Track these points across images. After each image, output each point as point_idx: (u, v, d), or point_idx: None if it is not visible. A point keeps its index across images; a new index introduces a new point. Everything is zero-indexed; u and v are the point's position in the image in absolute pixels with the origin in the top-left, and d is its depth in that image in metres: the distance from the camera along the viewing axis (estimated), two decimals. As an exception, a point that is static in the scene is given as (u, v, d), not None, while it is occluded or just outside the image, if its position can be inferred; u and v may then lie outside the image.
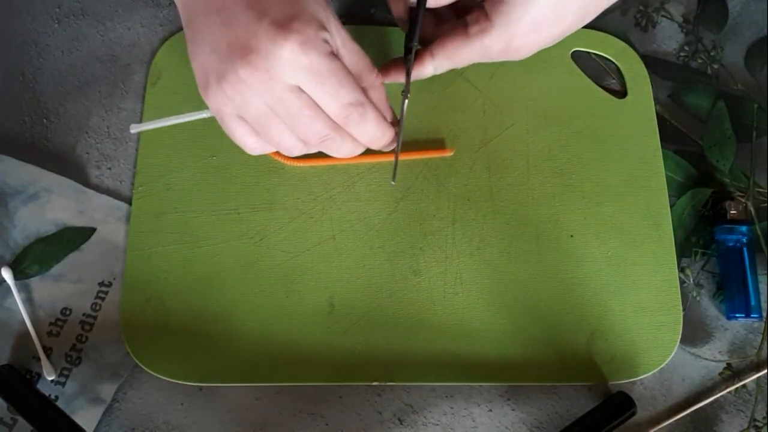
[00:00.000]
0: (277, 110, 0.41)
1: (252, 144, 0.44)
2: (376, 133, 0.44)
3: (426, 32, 0.50)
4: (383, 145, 0.46)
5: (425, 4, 0.46)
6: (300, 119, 0.41)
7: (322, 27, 0.39)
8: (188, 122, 0.55)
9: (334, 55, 0.40)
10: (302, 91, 0.40)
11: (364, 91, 0.43)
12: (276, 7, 0.39)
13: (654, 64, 0.59)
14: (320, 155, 0.54)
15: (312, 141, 0.43)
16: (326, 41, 0.39)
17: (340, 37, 0.41)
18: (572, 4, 0.46)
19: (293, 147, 0.43)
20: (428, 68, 0.49)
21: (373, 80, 0.44)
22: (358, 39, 0.57)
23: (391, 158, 0.54)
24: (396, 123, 0.47)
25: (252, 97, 0.40)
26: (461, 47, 0.48)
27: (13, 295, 0.50)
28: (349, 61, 0.42)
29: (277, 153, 0.54)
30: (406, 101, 0.47)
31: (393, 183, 0.52)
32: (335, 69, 0.40)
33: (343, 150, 0.45)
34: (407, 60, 0.48)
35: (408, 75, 0.48)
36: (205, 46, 0.40)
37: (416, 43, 0.47)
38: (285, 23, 0.38)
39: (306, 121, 0.41)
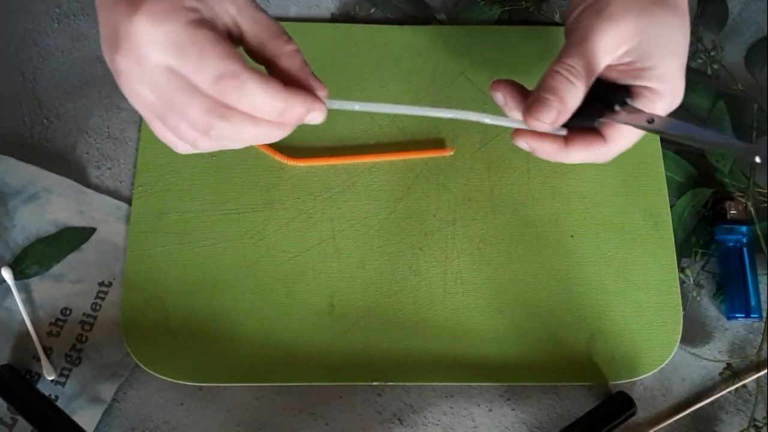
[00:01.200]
0: (161, 97, 0.36)
1: (171, 140, 0.39)
2: (270, 104, 0.37)
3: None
4: (297, 117, 0.38)
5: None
6: (177, 102, 0.36)
7: None
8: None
9: (199, 23, 0.35)
10: (174, 70, 0.36)
11: (271, 60, 0.39)
12: None
13: (654, 64, 0.59)
14: (320, 155, 0.54)
15: (200, 127, 0.37)
16: (191, 9, 0.35)
17: (233, 4, 0.37)
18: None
19: (195, 139, 0.38)
20: (591, 153, 0.44)
21: (282, 47, 0.39)
22: (358, 39, 0.58)
23: (392, 158, 0.54)
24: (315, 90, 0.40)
25: (138, 87, 0.36)
26: (598, 150, 0.44)
27: (13, 295, 0.50)
28: (248, 29, 0.38)
29: (277, 153, 0.54)
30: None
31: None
32: (197, 38, 0.35)
33: (244, 134, 0.38)
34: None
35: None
36: (103, 47, 0.38)
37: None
38: (137, 1, 0.35)
39: (183, 101, 0.36)
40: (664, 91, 0.42)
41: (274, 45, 0.39)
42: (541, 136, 0.43)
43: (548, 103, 0.41)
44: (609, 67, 0.42)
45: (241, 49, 0.38)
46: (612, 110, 0.42)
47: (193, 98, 0.36)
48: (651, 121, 0.41)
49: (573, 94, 0.41)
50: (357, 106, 0.41)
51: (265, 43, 0.38)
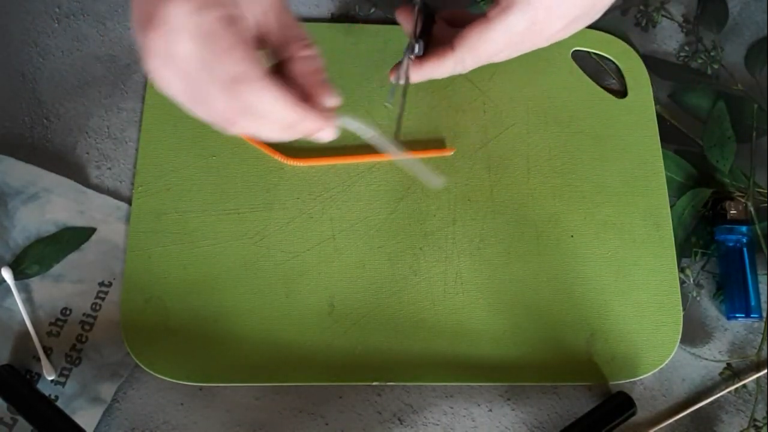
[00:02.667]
0: (189, 84, 0.37)
1: (221, 123, 0.39)
2: (282, 114, 0.37)
3: (442, 33, 0.49)
4: (307, 132, 0.39)
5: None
6: (203, 92, 0.37)
7: None
8: (188, 122, 0.55)
9: (231, 20, 0.36)
10: (202, 60, 0.36)
11: (286, 62, 0.39)
12: None
13: (654, 64, 0.59)
14: (320, 155, 0.54)
15: (224, 119, 0.38)
16: (224, 4, 0.36)
17: (260, 5, 0.37)
18: None
19: (222, 127, 0.39)
20: (448, 63, 0.47)
21: (299, 51, 0.39)
22: (358, 39, 0.58)
23: (392, 158, 0.54)
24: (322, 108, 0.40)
25: (166, 71, 0.37)
26: (484, 34, 0.45)
27: (13, 295, 0.50)
28: (273, 30, 0.38)
29: (277, 153, 0.54)
30: (405, 86, 0.47)
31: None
32: (226, 34, 0.35)
33: (267, 132, 0.39)
34: (406, 52, 0.47)
35: (406, 68, 0.47)
36: (134, 25, 0.37)
37: (418, 39, 0.47)
38: None
39: (209, 92, 0.37)
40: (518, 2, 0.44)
41: (296, 47, 0.39)
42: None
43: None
44: None
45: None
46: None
47: (219, 91, 0.36)
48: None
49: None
50: (356, 128, 0.42)
51: (285, 45, 0.39)
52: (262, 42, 0.39)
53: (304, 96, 0.39)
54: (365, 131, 0.42)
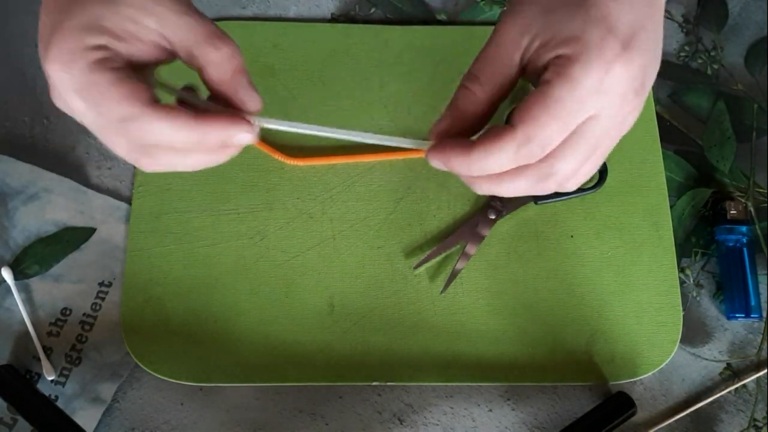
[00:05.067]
0: (94, 129, 0.36)
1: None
2: (181, 137, 0.35)
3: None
4: (217, 143, 0.36)
5: None
6: (104, 140, 0.36)
7: (86, 30, 0.33)
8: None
9: (100, 64, 0.33)
10: (87, 108, 0.35)
11: (200, 71, 0.36)
12: (50, 17, 0.34)
13: (654, 64, 0.59)
14: (320, 155, 0.54)
15: (132, 161, 0.36)
16: (94, 48, 0.33)
17: (153, 17, 0.34)
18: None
19: (136, 162, 0.37)
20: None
21: (208, 55, 0.35)
22: (358, 39, 0.58)
23: (392, 158, 0.54)
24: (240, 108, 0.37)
25: (82, 122, 0.36)
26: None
27: (13, 296, 0.50)
28: (175, 39, 0.35)
29: (278, 152, 0.54)
30: None
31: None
32: (95, 81, 0.33)
33: (179, 164, 0.36)
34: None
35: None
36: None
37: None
38: (48, 40, 0.34)
39: (107, 140, 0.36)
40: (578, 53, 0.33)
41: (202, 52, 0.35)
42: (446, 148, 0.36)
43: (442, 113, 0.37)
44: (531, 62, 0.36)
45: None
46: None
47: (115, 135, 0.35)
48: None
49: (467, 99, 0.37)
50: (284, 126, 0.37)
51: (192, 52, 0.35)
52: (171, 54, 0.36)
53: (226, 103, 0.36)
54: (288, 125, 0.37)
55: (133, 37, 0.34)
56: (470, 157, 0.35)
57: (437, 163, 0.37)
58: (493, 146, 0.34)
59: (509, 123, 0.35)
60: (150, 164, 0.36)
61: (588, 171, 0.37)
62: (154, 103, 0.34)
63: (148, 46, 0.35)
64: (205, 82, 0.36)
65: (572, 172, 0.36)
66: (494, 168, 0.35)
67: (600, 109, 0.34)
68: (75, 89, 0.34)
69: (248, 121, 0.36)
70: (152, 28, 0.34)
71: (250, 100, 0.36)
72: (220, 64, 0.35)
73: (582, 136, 0.35)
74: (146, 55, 0.35)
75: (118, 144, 0.36)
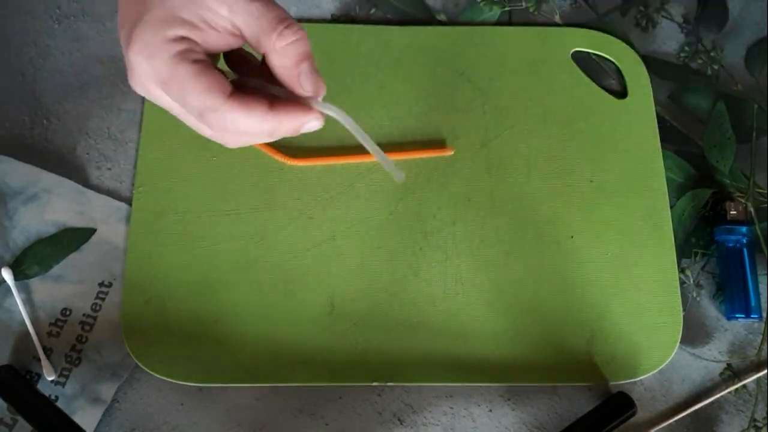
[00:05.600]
0: (175, 113, 0.38)
1: (207, 133, 0.39)
2: (257, 128, 0.37)
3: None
4: (289, 132, 0.38)
5: None
6: (189, 124, 0.38)
7: (166, 23, 0.35)
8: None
9: (182, 56, 0.35)
10: (170, 97, 0.37)
11: (265, 57, 0.37)
12: (130, 8, 0.36)
13: (654, 64, 0.59)
14: (320, 155, 0.54)
15: (216, 140, 0.39)
16: (176, 39, 0.35)
17: (225, 5, 0.35)
18: None
19: (218, 141, 0.39)
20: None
21: (273, 43, 0.36)
22: (358, 39, 0.58)
23: (392, 158, 0.54)
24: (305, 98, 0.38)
25: (155, 99, 0.38)
26: None
27: (13, 296, 0.50)
28: (244, 26, 0.36)
29: (277, 152, 0.54)
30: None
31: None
32: (177, 73, 0.35)
33: (255, 140, 0.39)
34: None
35: None
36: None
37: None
38: (130, 31, 0.35)
39: (193, 124, 0.38)
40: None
41: (266, 41, 0.36)
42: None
43: None
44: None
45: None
46: None
47: (197, 122, 0.37)
48: None
49: None
50: (340, 118, 0.39)
51: (259, 39, 0.37)
52: (241, 40, 0.37)
53: (289, 89, 0.38)
54: (344, 119, 0.39)
55: (209, 26, 0.36)
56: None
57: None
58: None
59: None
60: (235, 142, 0.39)
61: None
62: (233, 94, 0.36)
63: (222, 34, 0.36)
64: (271, 68, 0.37)
65: None
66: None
67: None
68: (158, 80, 0.35)
69: (316, 110, 0.38)
70: (224, 16, 0.36)
71: (314, 86, 0.38)
72: (282, 52, 0.37)
73: None
74: (221, 43, 0.37)
75: (201, 128, 0.38)
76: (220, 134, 0.38)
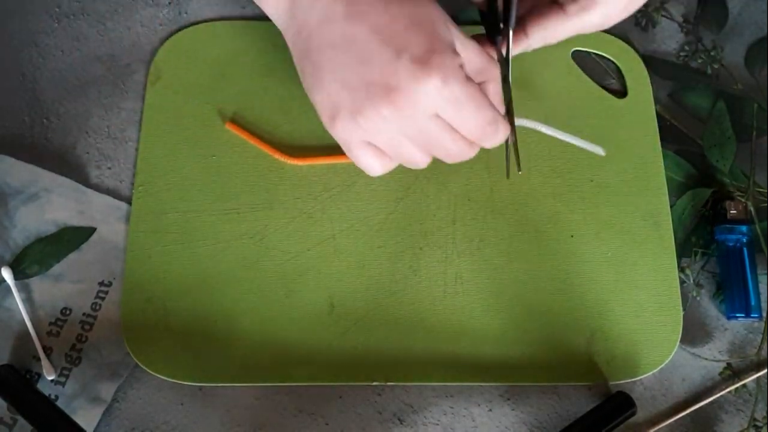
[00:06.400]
0: (415, 137, 0.41)
1: (378, 168, 0.44)
2: (502, 139, 0.44)
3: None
4: (498, 143, 0.45)
5: None
6: (438, 143, 0.42)
7: (455, 51, 0.39)
8: (188, 122, 0.55)
9: (469, 78, 0.40)
10: (440, 117, 0.40)
11: (482, 85, 0.43)
12: (413, 41, 0.39)
13: (654, 64, 0.59)
14: (320, 155, 0.54)
15: (442, 156, 0.44)
16: (461, 65, 0.39)
17: (461, 44, 0.41)
18: None
19: (422, 162, 0.44)
20: (520, 46, 0.47)
21: (492, 73, 0.44)
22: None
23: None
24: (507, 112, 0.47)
25: (388, 127, 0.40)
26: (559, 26, 0.46)
27: (13, 295, 0.50)
28: (473, 61, 0.42)
29: (278, 152, 0.54)
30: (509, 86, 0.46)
31: (520, 172, 0.50)
32: (472, 94, 0.40)
33: (463, 156, 0.44)
34: (497, 41, 0.45)
35: (508, 61, 0.46)
36: (333, 81, 0.40)
37: (511, 26, 0.45)
38: (425, 59, 0.38)
39: (445, 144, 0.42)
40: (601, 4, 0.45)
41: (487, 71, 0.44)
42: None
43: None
44: None
45: None
46: None
47: (456, 139, 0.42)
48: None
49: None
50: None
51: (482, 71, 0.43)
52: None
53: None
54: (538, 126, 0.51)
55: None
56: (528, 41, 0.47)
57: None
58: (543, 27, 0.47)
59: (521, 26, 0.47)
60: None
61: None
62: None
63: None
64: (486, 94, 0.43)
65: None
66: (540, 44, 0.48)
67: None
68: (450, 100, 0.39)
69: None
70: (458, 49, 0.41)
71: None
72: (497, 79, 0.45)
73: None
74: None
75: (456, 141, 0.43)
76: (471, 149, 0.44)
